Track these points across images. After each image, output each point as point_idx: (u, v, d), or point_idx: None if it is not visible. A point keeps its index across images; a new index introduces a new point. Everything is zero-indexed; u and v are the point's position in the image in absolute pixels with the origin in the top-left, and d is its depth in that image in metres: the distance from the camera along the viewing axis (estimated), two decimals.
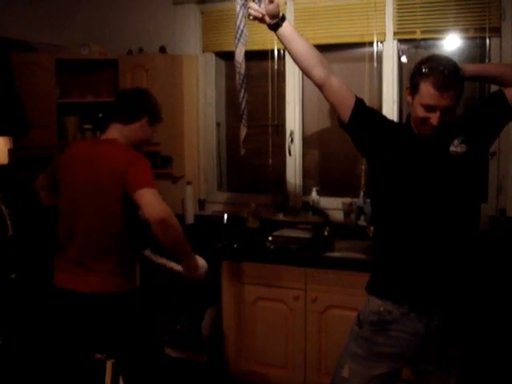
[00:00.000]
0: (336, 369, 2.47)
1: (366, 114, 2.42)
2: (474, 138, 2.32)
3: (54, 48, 4.61)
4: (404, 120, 2.48)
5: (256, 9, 2.38)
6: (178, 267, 2.86)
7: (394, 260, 2.37)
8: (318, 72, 2.38)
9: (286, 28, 2.41)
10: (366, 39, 4.08)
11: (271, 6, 2.35)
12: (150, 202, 2.59)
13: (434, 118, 2.21)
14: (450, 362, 2.34)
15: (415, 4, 3.90)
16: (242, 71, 2.51)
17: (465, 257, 2.36)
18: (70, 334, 2.64)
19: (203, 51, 4.65)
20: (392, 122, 2.60)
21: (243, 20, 2.43)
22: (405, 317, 2.30)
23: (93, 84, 4.73)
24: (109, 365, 2.24)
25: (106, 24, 4.80)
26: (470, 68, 2.40)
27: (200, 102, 4.70)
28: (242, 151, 2.80)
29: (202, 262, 2.90)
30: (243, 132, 2.80)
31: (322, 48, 4.00)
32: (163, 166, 4.61)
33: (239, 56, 2.52)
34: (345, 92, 2.40)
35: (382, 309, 2.33)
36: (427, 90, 2.19)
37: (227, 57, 4.66)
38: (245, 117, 2.78)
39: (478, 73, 2.41)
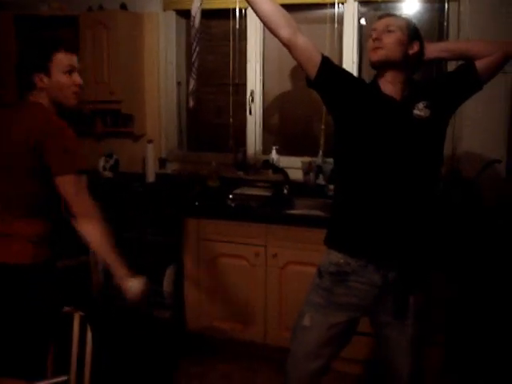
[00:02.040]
0: (297, 318, 2.55)
1: (332, 70, 2.47)
2: (438, 104, 2.40)
3: (12, 4, 4.52)
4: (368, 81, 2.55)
5: None
6: None
7: (354, 215, 2.44)
8: (285, 32, 2.41)
9: None
10: (328, 0, 4.11)
11: None
12: (71, 194, 2.38)
13: (374, 35, 2.39)
14: (406, 314, 2.43)
15: None
16: (196, 25, 2.53)
17: (423, 215, 2.44)
18: None
19: (164, 9, 4.62)
20: (359, 79, 2.68)
21: None
22: (363, 268, 2.39)
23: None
24: (76, 317, 2.27)
25: None
26: (434, 45, 2.51)
27: (161, 60, 4.68)
28: (191, 103, 2.79)
29: (135, 283, 2.54)
30: (191, 84, 2.79)
31: (285, 8, 4.06)
32: (124, 125, 4.63)
33: (194, 9, 2.53)
34: (311, 50, 2.45)
35: (341, 261, 2.42)
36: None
37: (188, 16, 4.63)
38: (194, 70, 2.78)
39: (444, 48, 2.53)
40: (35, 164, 2.37)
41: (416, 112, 2.38)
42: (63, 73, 2.46)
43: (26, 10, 4.50)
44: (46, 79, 2.44)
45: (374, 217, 2.39)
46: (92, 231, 2.43)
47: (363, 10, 4.16)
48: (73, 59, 2.50)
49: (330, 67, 2.48)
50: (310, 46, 2.45)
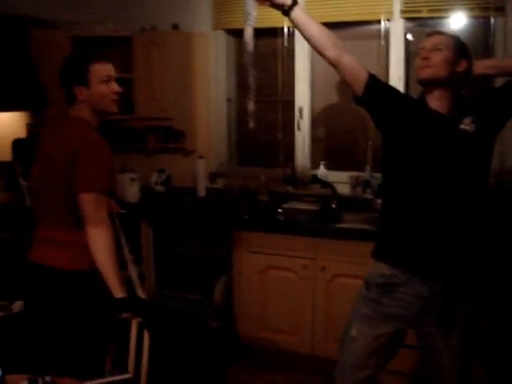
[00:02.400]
0: (345, 328, 2.62)
1: (378, 87, 2.55)
2: (484, 119, 2.44)
3: (69, 25, 4.73)
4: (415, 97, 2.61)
5: None
6: None
7: (400, 227, 2.50)
8: (331, 52, 2.50)
9: (299, 12, 2.51)
10: (374, 17, 4.19)
11: None
12: (88, 214, 2.48)
13: (422, 54, 2.44)
14: (453, 325, 2.47)
15: None
16: (250, 50, 2.64)
17: (469, 228, 2.48)
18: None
19: (214, 29, 4.76)
20: (406, 95, 2.75)
21: (250, 3, 2.55)
22: (409, 280, 2.44)
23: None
24: (134, 323, 2.39)
25: (119, 1, 4.92)
26: (481, 62, 2.58)
27: (211, 78, 4.82)
28: (251, 124, 2.90)
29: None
30: (250, 106, 2.91)
31: (331, 26, 4.14)
32: (175, 141, 4.77)
33: (247, 36, 2.63)
34: (357, 69, 2.53)
35: (387, 272, 2.48)
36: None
37: (237, 34, 4.78)
38: (252, 92, 2.89)
39: (491, 65, 2.60)
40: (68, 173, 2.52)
41: (462, 127, 2.42)
42: (101, 82, 2.58)
43: (82, 31, 4.69)
44: (85, 91, 2.56)
45: (421, 230, 2.44)
46: (100, 247, 2.49)
47: (409, 25, 4.21)
48: (109, 68, 2.64)
49: (377, 84, 2.55)
50: (356, 64, 2.53)
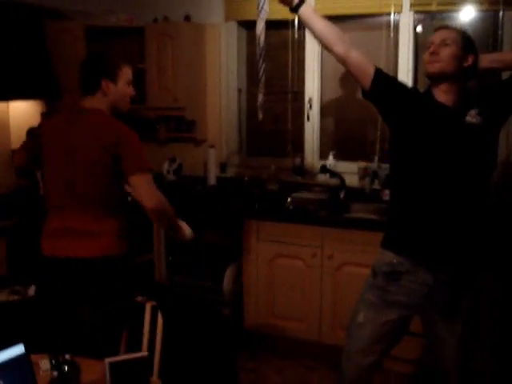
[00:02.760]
0: (352, 315, 2.69)
1: (385, 81, 2.61)
2: (490, 111, 2.50)
3: (83, 15, 4.80)
4: (422, 89, 2.67)
5: None
6: None
7: (408, 218, 2.57)
8: (339, 48, 2.56)
9: (306, 9, 2.59)
10: (384, 10, 4.23)
11: None
12: (146, 190, 2.66)
13: (430, 48, 2.50)
14: (456, 312, 2.54)
15: None
16: (261, 44, 2.71)
17: (474, 218, 2.54)
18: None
19: (226, 20, 4.82)
20: (412, 88, 2.81)
21: None
22: (415, 268, 2.51)
23: (120, 50, 4.88)
24: (148, 306, 2.47)
25: None
26: (486, 56, 2.62)
27: (222, 69, 4.89)
28: (260, 116, 2.99)
29: (188, 231, 3.02)
30: (260, 98, 2.98)
31: (341, 17, 4.21)
32: (187, 130, 4.85)
33: (259, 30, 2.70)
34: (364, 64, 2.59)
35: (394, 260, 2.55)
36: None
37: (248, 26, 4.84)
38: (261, 84, 2.96)
39: (496, 58, 2.65)
40: (111, 166, 2.64)
41: (468, 119, 2.48)
42: (126, 83, 2.79)
43: (96, 21, 4.76)
44: (112, 86, 2.74)
45: (428, 220, 2.51)
46: (162, 213, 2.73)
47: (419, 17, 4.27)
48: (131, 73, 2.85)
49: (384, 78, 2.61)
50: (363, 59, 2.59)
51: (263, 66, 2.76)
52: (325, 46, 2.62)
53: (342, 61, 2.60)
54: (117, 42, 4.92)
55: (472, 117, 2.48)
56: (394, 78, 2.77)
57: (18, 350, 1.73)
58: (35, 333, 2.51)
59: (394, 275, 2.55)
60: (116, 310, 2.65)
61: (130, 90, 2.82)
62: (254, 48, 4.80)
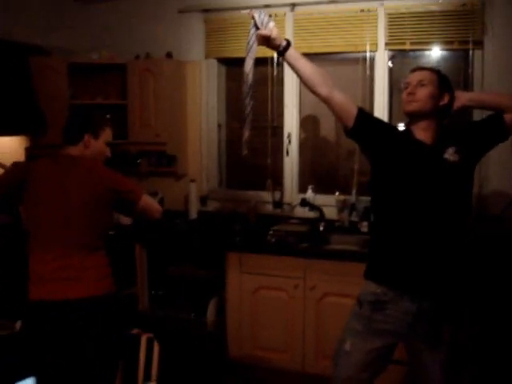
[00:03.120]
0: (338, 343, 2.77)
1: (367, 121, 2.74)
2: (467, 150, 2.64)
3: (66, 52, 4.90)
4: (398, 125, 2.81)
5: (264, 33, 2.66)
6: None
7: (389, 249, 2.68)
8: (323, 90, 2.67)
9: (292, 52, 2.69)
10: (360, 49, 4.41)
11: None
12: (153, 205, 3.04)
13: (408, 89, 2.65)
14: (439, 341, 2.64)
15: (405, 18, 4.25)
16: (250, 81, 2.80)
17: (453, 250, 2.66)
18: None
19: (206, 57, 4.94)
20: (393, 127, 2.94)
21: (253, 37, 2.72)
22: (399, 297, 2.61)
23: (102, 86, 5.02)
24: (144, 338, 2.52)
25: (115, 30, 5.11)
26: (464, 94, 2.78)
27: (203, 104, 5.00)
28: (245, 151, 3.07)
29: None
30: (246, 134, 3.06)
31: (319, 55, 4.37)
32: (168, 164, 4.93)
33: (247, 68, 2.79)
34: (347, 104, 2.71)
35: (378, 290, 2.65)
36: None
37: (228, 63, 5.00)
38: (248, 121, 3.03)
39: (474, 98, 2.82)
40: (108, 201, 2.86)
41: (446, 156, 2.61)
42: (105, 143, 3.02)
43: (79, 58, 4.86)
44: (93, 141, 2.95)
45: (408, 252, 2.62)
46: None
47: (392, 53, 4.46)
48: (111, 136, 3.09)
49: (366, 118, 2.75)
50: (345, 100, 2.71)
51: (251, 103, 2.84)
52: (309, 87, 2.72)
53: (325, 101, 2.70)
54: (99, 77, 5.03)
55: (450, 154, 2.61)
56: (376, 118, 2.91)
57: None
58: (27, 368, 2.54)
59: (379, 304, 2.64)
60: (110, 345, 2.70)
61: (107, 151, 3.05)
62: (232, 83, 4.98)
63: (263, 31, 2.65)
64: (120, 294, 2.88)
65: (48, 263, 2.76)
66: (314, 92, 2.71)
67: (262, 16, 2.67)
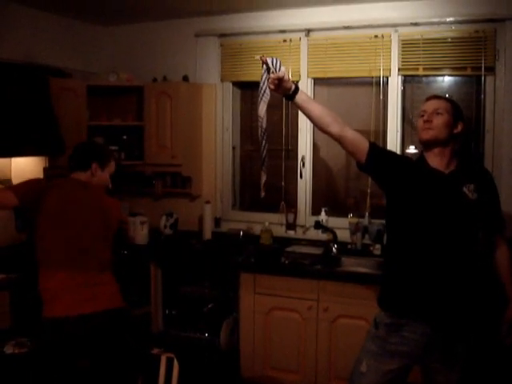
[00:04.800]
0: (355, 364, 2.82)
1: (380, 155, 2.80)
2: (484, 192, 2.72)
3: (85, 74, 5.01)
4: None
5: (277, 75, 2.64)
6: None
7: (403, 279, 2.73)
8: (334, 129, 2.72)
9: (301, 95, 2.71)
10: (373, 74, 4.49)
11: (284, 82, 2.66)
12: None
13: (424, 117, 2.72)
14: (454, 360, 2.69)
15: (418, 44, 4.32)
16: (264, 125, 2.84)
17: (467, 278, 2.70)
18: None
19: (222, 80, 5.04)
20: (406, 157, 3.01)
21: (266, 82, 2.76)
22: (414, 321, 2.66)
23: (120, 108, 5.12)
24: (163, 358, 2.57)
25: (134, 53, 5.25)
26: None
27: (218, 127, 5.09)
28: (262, 194, 3.13)
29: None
30: (263, 178, 3.10)
31: (333, 79, 4.45)
32: (183, 186, 5.00)
33: (261, 112, 2.83)
34: (359, 140, 2.76)
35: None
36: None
37: (243, 86, 5.09)
38: (265, 164, 3.06)
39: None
40: (114, 230, 3.19)
41: (465, 191, 2.68)
42: (109, 173, 3.31)
43: (98, 80, 4.96)
44: (99, 171, 3.23)
45: (423, 282, 2.66)
46: None
47: (405, 78, 4.53)
48: (115, 168, 3.38)
49: (378, 152, 2.80)
50: (357, 136, 2.77)
51: (266, 145, 2.89)
52: (320, 127, 2.76)
53: (338, 139, 2.75)
54: (117, 99, 5.12)
55: (469, 191, 2.69)
56: (389, 151, 2.99)
57: None
58: None
59: (395, 327, 2.69)
60: (125, 357, 2.79)
61: (109, 182, 3.35)
62: (246, 106, 5.05)
63: (276, 74, 2.67)
64: (130, 308, 3.05)
65: (62, 281, 2.92)
66: (326, 132, 2.75)
67: (275, 61, 2.71)
